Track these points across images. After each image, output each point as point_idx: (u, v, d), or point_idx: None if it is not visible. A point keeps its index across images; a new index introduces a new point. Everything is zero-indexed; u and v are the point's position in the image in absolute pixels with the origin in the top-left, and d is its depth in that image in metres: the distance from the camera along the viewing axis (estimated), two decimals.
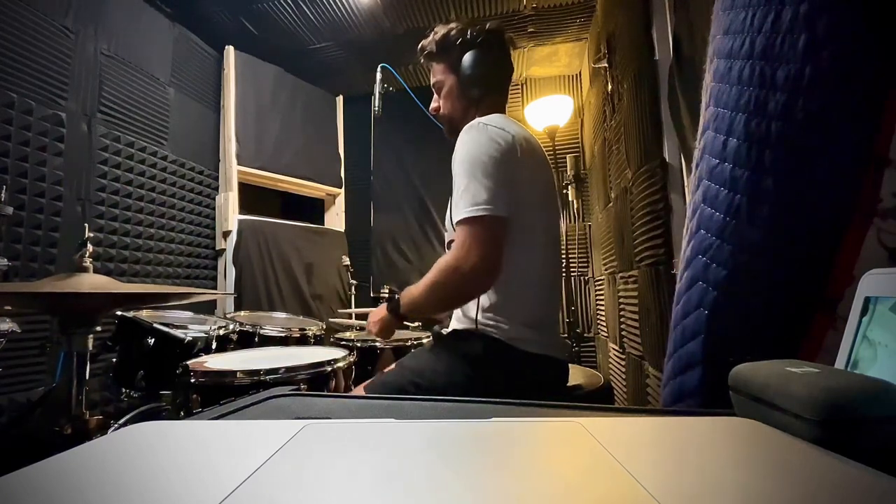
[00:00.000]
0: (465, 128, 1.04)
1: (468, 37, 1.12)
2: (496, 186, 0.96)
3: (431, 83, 1.20)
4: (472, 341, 1.02)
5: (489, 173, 0.96)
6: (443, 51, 1.15)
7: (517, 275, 1.03)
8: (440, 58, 1.16)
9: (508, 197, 0.97)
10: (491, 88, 1.14)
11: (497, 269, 0.97)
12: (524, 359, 1.00)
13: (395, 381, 1.02)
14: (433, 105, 1.21)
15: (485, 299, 1.05)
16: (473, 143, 1.00)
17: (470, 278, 0.95)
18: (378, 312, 1.12)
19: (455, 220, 0.97)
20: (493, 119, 1.05)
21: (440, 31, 1.16)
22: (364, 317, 1.14)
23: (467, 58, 1.11)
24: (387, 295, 1.99)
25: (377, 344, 1.66)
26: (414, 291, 1.03)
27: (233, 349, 1.46)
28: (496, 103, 1.16)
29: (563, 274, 2.62)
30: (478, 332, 1.03)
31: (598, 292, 2.64)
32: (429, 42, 1.17)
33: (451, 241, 1.14)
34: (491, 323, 1.03)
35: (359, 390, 1.08)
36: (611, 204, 2.15)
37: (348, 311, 2.29)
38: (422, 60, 1.21)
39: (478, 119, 1.05)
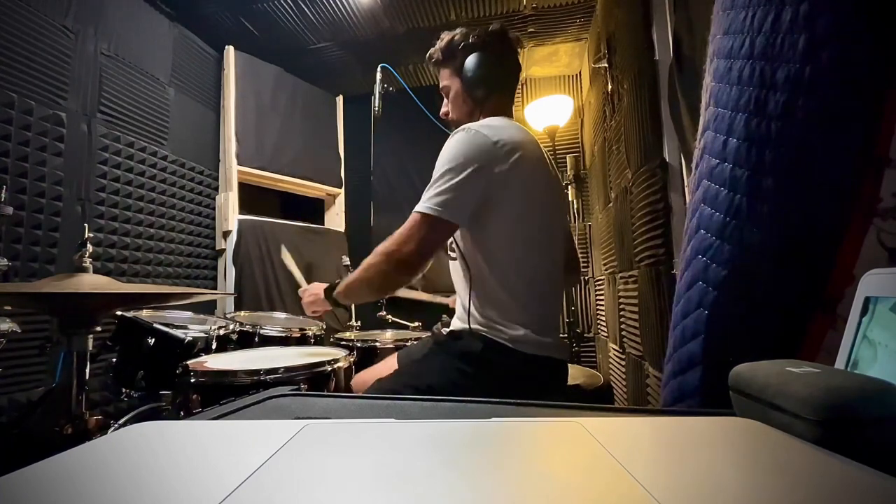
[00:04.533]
0: (458, 129, 1.06)
1: (470, 40, 1.14)
2: (460, 194, 0.98)
3: (440, 88, 1.23)
4: (471, 342, 1.02)
5: (459, 178, 0.99)
6: (448, 56, 1.18)
7: (514, 276, 1.03)
8: (446, 63, 1.19)
9: (470, 207, 1.00)
10: (494, 89, 1.16)
11: (422, 268, 1.02)
12: (523, 360, 0.99)
13: (392, 388, 1.02)
14: (443, 110, 1.24)
15: (482, 300, 1.05)
16: (456, 145, 1.02)
17: (397, 266, 1.00)
18: (315, 288, 1.18)
19: (415, 207, 1.01)
20: (485, 124, 1.06)
21: (445, 37, 1.19)
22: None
23: (469, 61, 1.13)
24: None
25: (377, 344, 1.66)
26: (351, 275, 1.08)
27: (233, 349, 1.46)
28: (501, 104, 1.17)
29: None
30: (476, 333, 1.03)
31: (598, 292, 2.64)
32: (435, 49, 1.20)
33: (450, 242, 1.14)
34: (489, 324, 1.03)
35: (356, 384, 1.08)
36: (611, 204, 2.15)
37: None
38: (431, 68, 1.23)
39: (469, 124, 1.06)
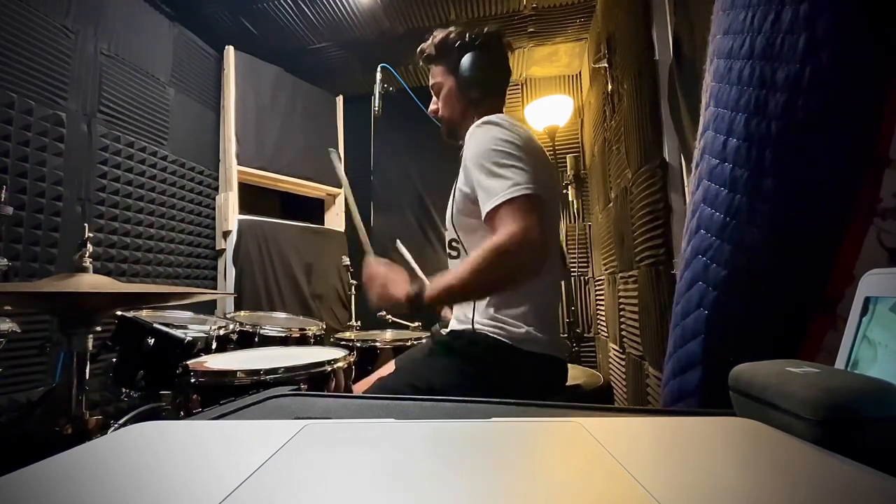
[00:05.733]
0: (479, 123, 1.04)
1: (467, 39, 1.13)
2: (528, 168, 0.94)
3: (430, 85, 1.21)
4: (472, 343, 1.02)
5: (519, 158, 0.95)
6: (442, 53, 1.16)
7: None
8: (439, 60, 1.18)
9: (538, 180, 0.94)
10: (489, 90, 1.15)
11: (548, 249, 0.93)
12: (525, 358, 1.00)
13: (392, 387, 1.02)
14: (432, 107, 1.22)
15: (484, 300, 1.05)
16: (494, 134, 0.99)
17: (529, 256, 0.90)
18: (392, 288, 1.02)
19: (495, 204, 0.93)
20: (504, 117, 1.05)
21: (439, 34, 1.17)
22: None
23: (466, 60, 1.12)
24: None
25: (377, 344, 1.66)
26: (450, 280, 0.95)
27: (233, 349, 1.46)
28: (494, 105, 1.17)
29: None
30: (478, 333, 1.03)
31: (598, 292, 2.64)
32: (427, 45, 1.18)
33: (451, 241, 1.14)
34: (493, 324, 1.02)
35: (357, 389, 1.08)
36: (611, 204, 2.15)
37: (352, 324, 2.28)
38: (420, 63, 1.22)
39: (490, 116, 1.05)
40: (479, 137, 1.01)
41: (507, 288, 0.99)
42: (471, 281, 0.92)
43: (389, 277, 1.04)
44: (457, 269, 0.95)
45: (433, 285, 0.97)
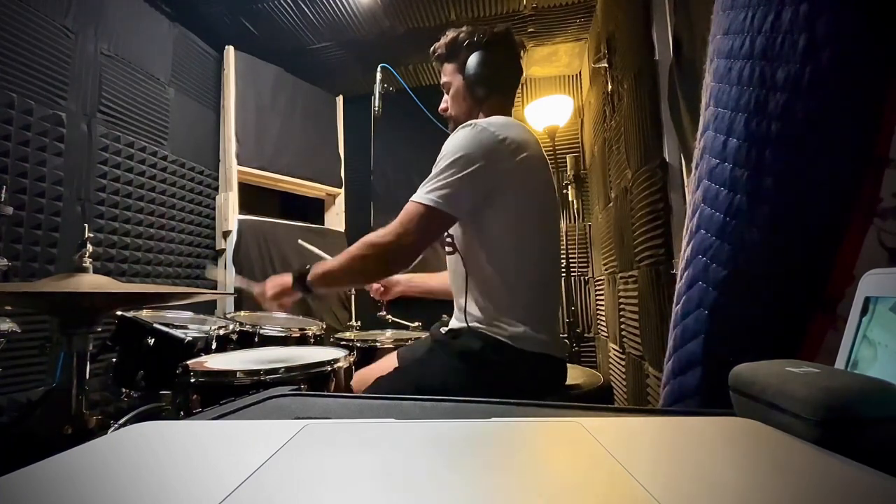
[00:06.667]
0: (461, 126, 1.05)
1: (475, 39, 1.15)
2: (462, 188, 0.98)
3: (441, 83, 1.23)
4: (470, 340, 1.03)
5: (462, 173, 0.98)
6: (451, 52, 1.19)
7: (513, 274, 1.04)
8: (449, 59, 1.20)
9: (471, 202, 1.00)
10: (495, 89, 1.16)
11: (415, 261, 1.02)
12: (522, 357, 1.00)
13: (391, 387, 1.02)
14: (442, 105, 1.24)
15: (480, 297, 1.05)
16: (462, 140, 1.02)
17: (392, 257, 1.00)
18: (279, 278, 1.14)
19: (411, 198, 1.00)
20: (491, 122, 1.05)
21: (450, 34, 1.19)
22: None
23: (473, 58, 1.14)
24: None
25: (377, 344, 1.65)
26: (330, 261, 1.07)
27: (233, 349, 1.46)
28: (501, 104, 1.18)
29: (563, 274, 2.62)
30: (475, 331, 1.03)
31: (598, 292, 2.64)
32: (439, 45, 1.21)
33: (447, 237, 1.15)
34: (487, 321, 1.03)
35: (356, 382, 1.08)
36: (611, 204, 2.15)
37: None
38: (433, 63, 1.24)
39: (475, 120, 1.06)
40: (453, 137, 1.04)
41: (373, 277, 1.14)
42: (344, 265, 1.04)
43: (273, 280, 1.16)
44: (341, 254, 1.06)
45: (316, 268, 1.07)
